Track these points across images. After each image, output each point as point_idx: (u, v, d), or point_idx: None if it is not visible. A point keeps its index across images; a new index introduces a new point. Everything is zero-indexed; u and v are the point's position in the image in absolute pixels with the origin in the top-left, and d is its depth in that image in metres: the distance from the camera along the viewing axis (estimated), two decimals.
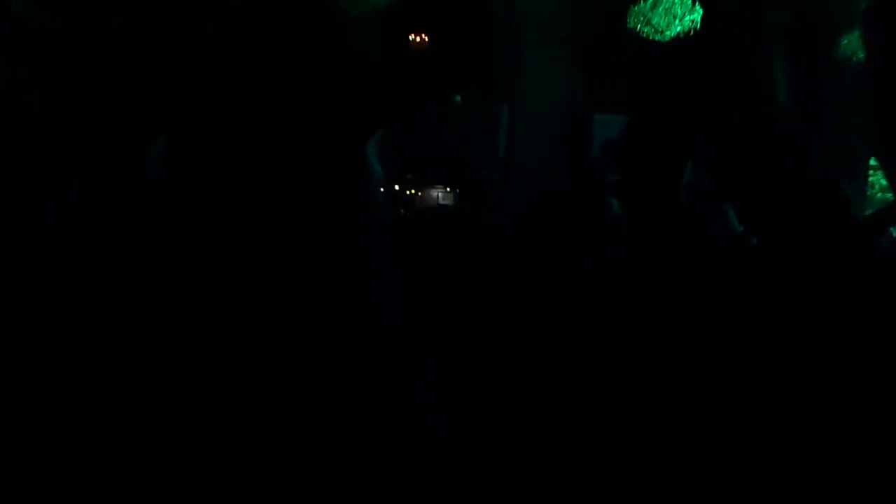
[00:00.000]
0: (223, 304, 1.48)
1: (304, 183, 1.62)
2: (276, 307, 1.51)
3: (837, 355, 1.85)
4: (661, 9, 8.79)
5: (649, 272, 2.09)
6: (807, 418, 1.80)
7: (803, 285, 2.03)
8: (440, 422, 1.51)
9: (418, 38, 9.60)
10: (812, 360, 1.91)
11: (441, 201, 10.10)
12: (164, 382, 1.42)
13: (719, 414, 1.81)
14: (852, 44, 8.40)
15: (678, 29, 9.16)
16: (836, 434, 1.77)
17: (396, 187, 10.17)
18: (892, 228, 2.61)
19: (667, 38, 8.91)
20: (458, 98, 9.66)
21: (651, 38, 9.10)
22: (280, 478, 1.39)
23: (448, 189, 10.67)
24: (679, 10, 8.85)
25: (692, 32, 9.06)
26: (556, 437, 1.97)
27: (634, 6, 8.91)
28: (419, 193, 10.54)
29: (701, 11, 8.85)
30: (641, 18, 8.84)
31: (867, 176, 7.96)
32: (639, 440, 1.89)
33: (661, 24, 9.00)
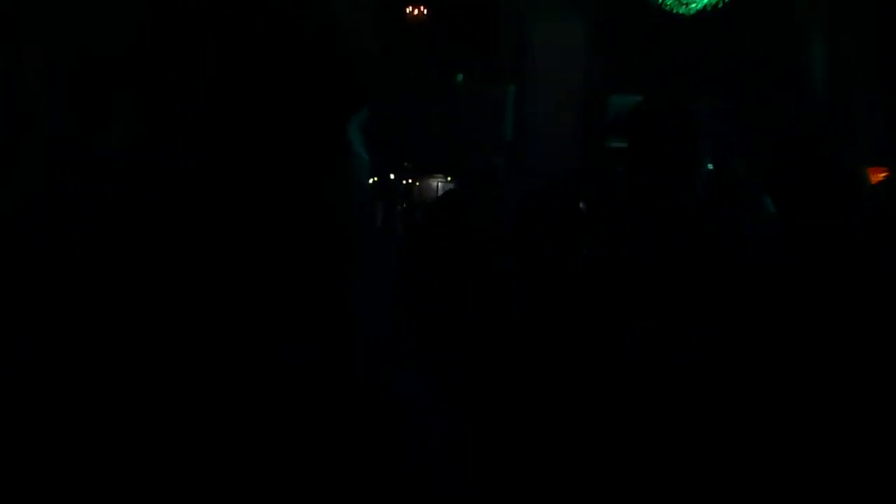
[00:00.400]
0: (199, 302, 1.59)
1: (279, 171, 1.70)
2: (255, 304, 1.61)
3: (843, 358, 2.04)
4: None
5: (654, 271, 2.22)
6: (817, 419, 2.00)
7: (812, 287, 2.19)
8: (439, 422, 1.66)
9: (416, 12, 9.70)
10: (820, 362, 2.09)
11: (441, 191, 10.22)
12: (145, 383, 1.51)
13: (719, 415, 1.98)
14: None
15: (705, 1, 9.26)
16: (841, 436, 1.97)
17: (392, 176, 10.32)
18: None
19: (692, 11, 9.02)
20: (460, 77, 9.79)
21: (675, 11, 9.22)
22: (276, 478, 1.55)
23: (448, 178, 10.77)
24: None
25: (720, 5, 9.18)
26: (556, 437, 2.13)
27: None
28: (417, 183, 10.65)
29: None
30: None
31: None
32: (639, 440, 2.05)
33: None
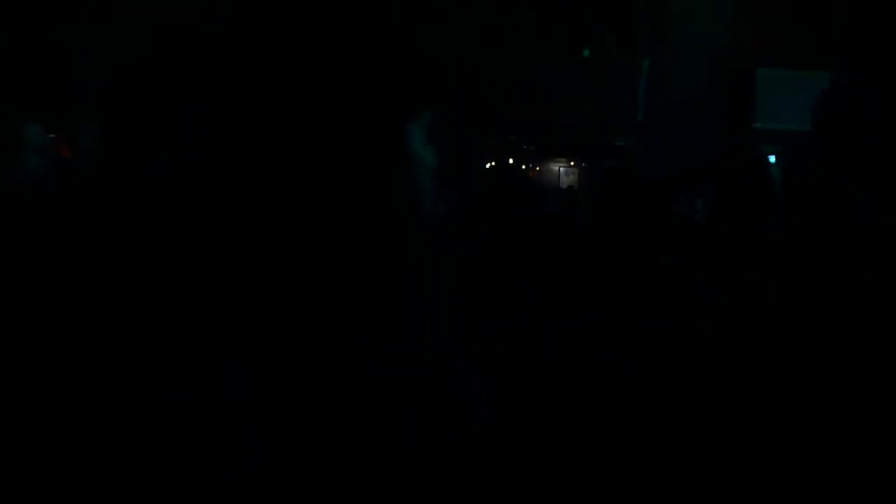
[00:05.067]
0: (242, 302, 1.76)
1: (327, 178, 1.73)
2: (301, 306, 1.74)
3: None
4: None
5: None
6: None
7: None
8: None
9: None
10: None
11: (564, 177, 9.41)
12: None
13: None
14: None
15: None
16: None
17: (511, 161, 9.60)
18: None
19: None
20: (587, 52, 8.98)
21: None
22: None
23: (571, 163, 9.99)
24: None
25: None
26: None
27: None
28: (537, 168, 9.89)
29: None
30: None
31: None
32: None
33: None
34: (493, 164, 8.23)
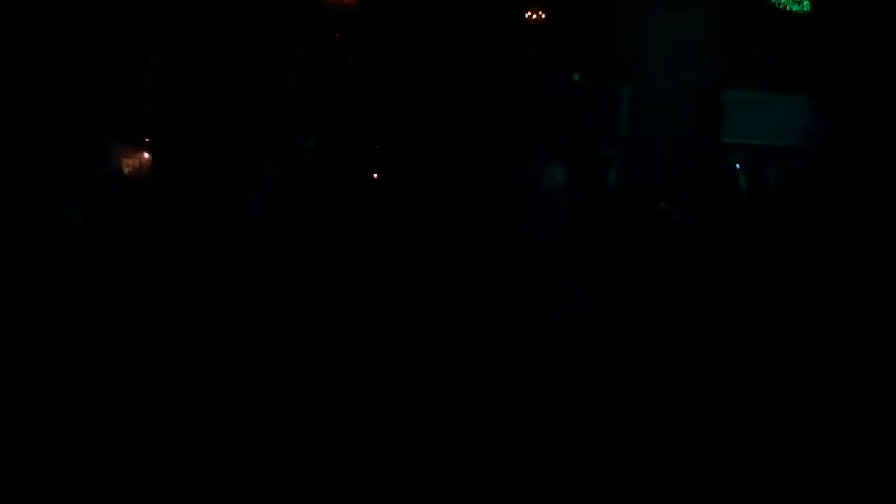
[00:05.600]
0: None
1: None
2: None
3: None
4: None
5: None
6: None
7: None
8: None
9: (535, 16, 9.96)
10: None
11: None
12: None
13: None
14: None
15: None
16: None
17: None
18: None
19: (806, 9, 8.82)
20: (577, 77, 9.84)
21: (788, 8, 9.06)
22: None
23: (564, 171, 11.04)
24: None
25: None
26: None
27: None
28: None
29: None
30: None
31: None
32: None
33: None
34: None
